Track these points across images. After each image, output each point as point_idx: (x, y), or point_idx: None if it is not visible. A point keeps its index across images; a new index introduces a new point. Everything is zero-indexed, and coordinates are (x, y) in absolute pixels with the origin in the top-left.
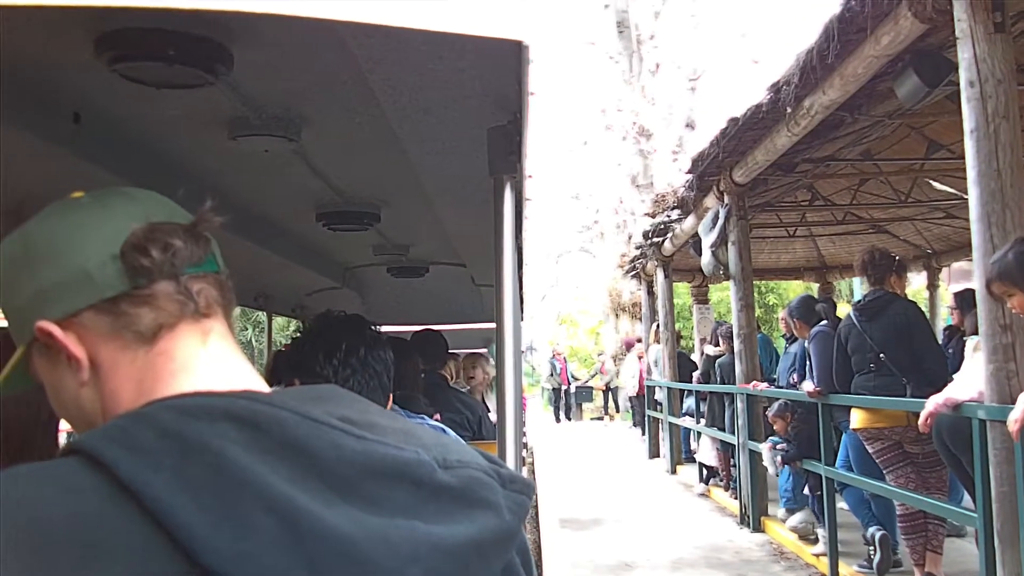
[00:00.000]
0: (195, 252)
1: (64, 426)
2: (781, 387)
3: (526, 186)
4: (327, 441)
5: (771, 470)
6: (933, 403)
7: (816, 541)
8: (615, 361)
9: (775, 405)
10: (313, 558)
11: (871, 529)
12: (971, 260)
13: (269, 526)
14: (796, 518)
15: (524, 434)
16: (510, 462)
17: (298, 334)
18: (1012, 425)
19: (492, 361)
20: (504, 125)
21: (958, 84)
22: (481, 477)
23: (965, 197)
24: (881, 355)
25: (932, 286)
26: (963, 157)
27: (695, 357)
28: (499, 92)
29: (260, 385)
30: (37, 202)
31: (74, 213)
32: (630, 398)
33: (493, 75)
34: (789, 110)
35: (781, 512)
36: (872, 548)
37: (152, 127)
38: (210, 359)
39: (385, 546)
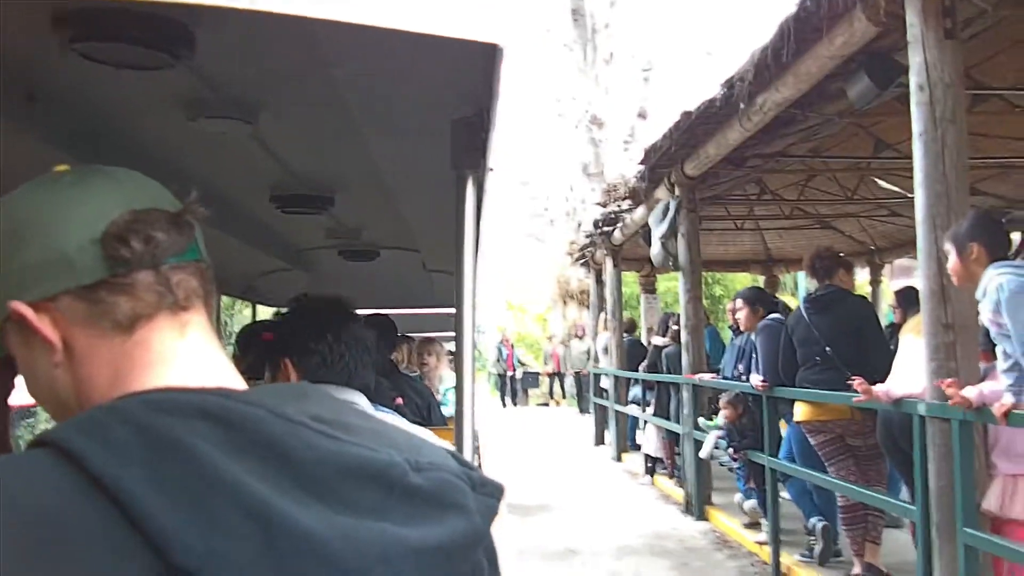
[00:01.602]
0: (177, 241)
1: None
2: (727, 378)
3: (488, 180)
4: (301, 440)
5: (703, 453)
6: (878, 390)
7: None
8: (563, 345)
9: (729, 392)
10: (283, 557)
11: (812, 520)
12: (913, 257)
13: (240, 524)
14: (751, 503)
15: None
16: (467, 449)
17: (280, 315)
18: (998, 410)
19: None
20: (469, 118)
21: (907, 86)
22: (452, 480)
23: (909, 196)
24: (827, 348)
25: (875, 282)
26: (909, 157)
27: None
28: (464, 84)
29: (236, 380)
30: None
31: (55, 191)
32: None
33: (459, 67)
34: (742, 106)
35: (738, 496)
36: (813, 538)
37: (109, 107)
38: (187, 351)
39: (354, 547)
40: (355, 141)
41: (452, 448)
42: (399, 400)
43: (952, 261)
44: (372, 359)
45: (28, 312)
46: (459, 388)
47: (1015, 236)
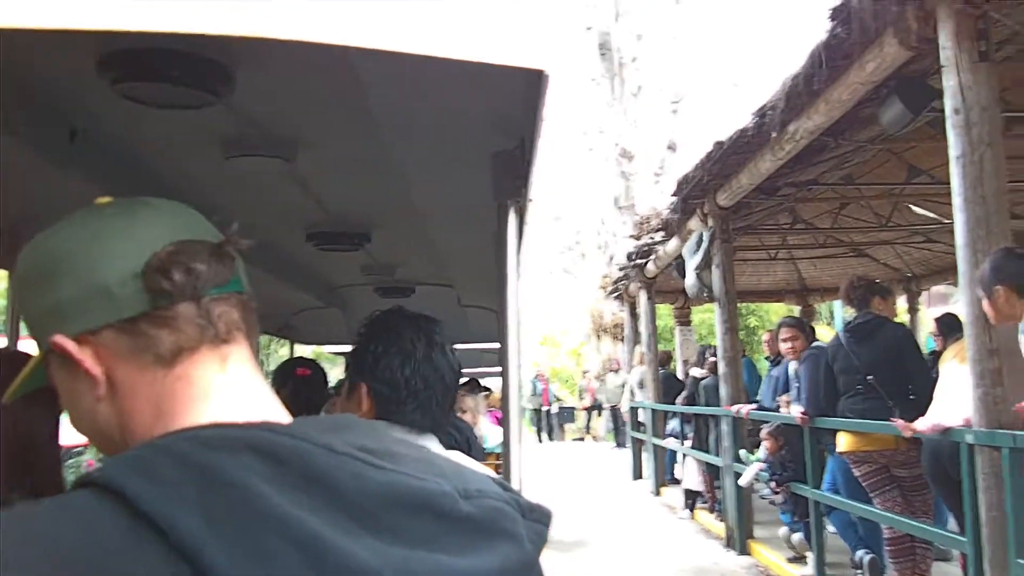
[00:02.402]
0: (220, 273)
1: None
2: (765, 409)
3: (528, 210)
4: (349, 472)
5: (743, 481)
6: (922, 427)
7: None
8: (599, 380)
9: (771, 423)
10: None
11: (859, 552)
12: (951, 284)
13: (294, 558)
14: (798, 536)
15: None
16: (515, 480)
17: (363, 330)
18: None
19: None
20: (510, 150)
21: (941, 111)
22: (502, 507)
23: (945, 222)
24: (869, 377)
25: (912, 310)
26: (944, 182)
27: (682, 377)
28: (505, 117)
29: (279, 413)
30: (29, 219)
31: (97, 223)
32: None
33: (499, 100)
34: (774, 135)
35: (783, 530)
36: (860, 571)
37: (147, 145)
38: (229, 385)
39: None
40: (393, 175)
41: (497, 476)
42: None
43: (984, 305)
44: (452, 400)
45: (70, 345)
46: (505, 419)
47: None
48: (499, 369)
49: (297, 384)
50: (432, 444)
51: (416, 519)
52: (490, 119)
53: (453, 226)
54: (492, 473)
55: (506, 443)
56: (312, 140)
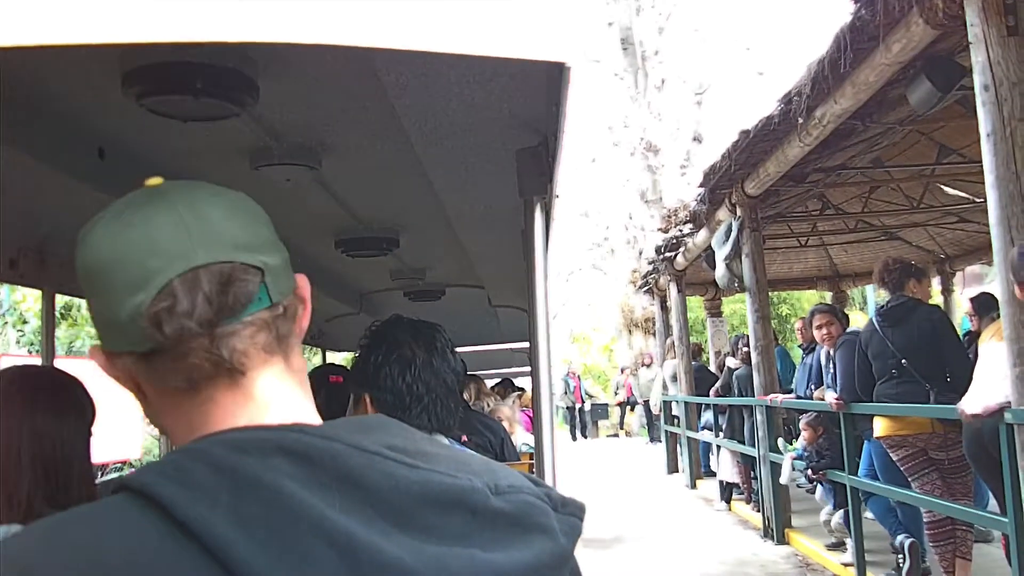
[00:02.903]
0: (236, 299)
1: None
2: (800, 397)
3: (554, 206)
4: (380, 471)
5: (784, 479)
6: (972, 411)
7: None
8: (630, 375)
9: (808, 414)
10: None
11: (899, 537)
12: (984, 263)
13: (329, 559)
14: (837, 516)
15: None
16: (548, 479)
17: (363, 341)
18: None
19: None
20: (534, 147)
21: (970, 88)
22: (534, 502)
23: (977, 200)
24: (903, 361)
25: (946, 291)
26: (975, 161)
27: (712, 369)
28: (528, 114)
29: (312, 416)
30: (61, 239)
31: (121, 236)
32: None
33: (522, 97)
34: (801, 120)
35: (824, 513)
36: (901, 556)
37: (175, 159)
38: (256, 405)
39: (447, 575)
40: (418, 177)
41: (524, 472)
42: (464, 438)
43: (1018, 291)
44: (457, 402)
45: (101, 360)
46: (537, 419)
47: None
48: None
49: (330, 391)
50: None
51: (449, 516)
52: (514, 116)
53: (481, 226)
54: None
55: (538, 442)
56: (337, 146)
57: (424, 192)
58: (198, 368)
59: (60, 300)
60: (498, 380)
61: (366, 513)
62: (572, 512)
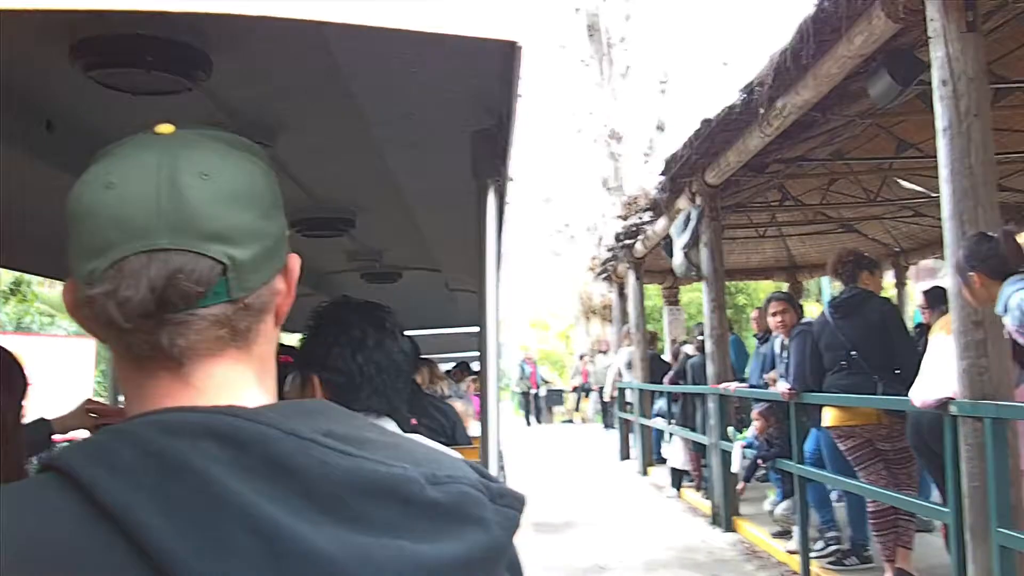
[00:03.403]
0: (185, 296)
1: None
2: (753, 386)
3: (508, 189)
4: (312, 458)
5: (735, 467)
6: (919, 402)
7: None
8: (587, 362)
9: (761, 403)
10: None
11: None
12: (938, 258)
13: (251, 547)
14: (782, 506)
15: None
16: (493, 465)
17: (311, 322)
18: None
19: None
20: (489, 128)
21: (929, 83)
22: (470, 492)
23: (934, 195)
24: (853, 352)
25: (900, 284)
26: (932, 156)
27: (667, 358)
28: (483, 95)
29: (260, 402)
30: (10, 213)
31: (96, 193)
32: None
33: (478, 78)
34: (762, 111)
35: (768, 503)
36: (827, 542)
37: (125, 134)
38: (198, 391)
39: (371, 567)
40: (374, 157)
41: (468, 460)
42: (413, 421)
43: (963, 290)
44: (406, 382)
45: (69, 300)
46: (483, 405)
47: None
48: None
49: (280, 371)
50: (390, 427)
51: (382, 506)
52: (469, 97)
53: (438, 209)
54: (468, 459)
55: (484, 427)
56: (292, 124)
57: (380, 173)
58: (138, 346)
59: (9, 275)
60: (455, 364)
61: (295, 501)
62: (509, 504)
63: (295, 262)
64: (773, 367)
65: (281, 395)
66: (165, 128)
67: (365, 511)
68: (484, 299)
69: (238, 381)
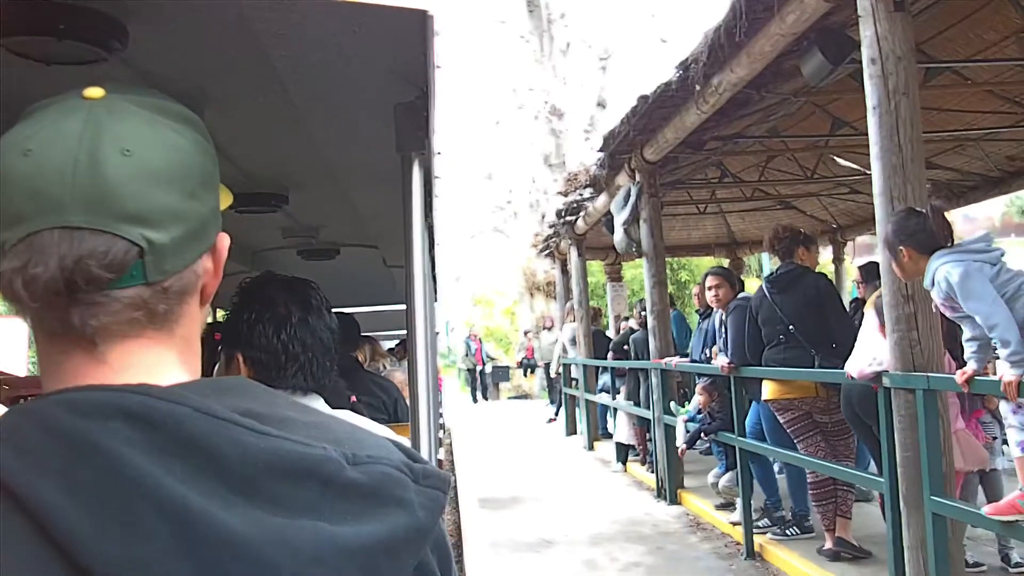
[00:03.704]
0: (94, 279)
1: None
2: (695, 361)
3: (435, 163)
4: (227, 438)
5: (679, 441)
6: (856, 372)
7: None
8: (532, 338)
9: (705, 378)
10: (207, 563)
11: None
12: (874, 234)
13: (161, 531)
14: (725, 478)
15: (441, 415)
16: (424, 444)
17: (235, 299)
18: (960, 377)
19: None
20: (411, 101)
21: (861, 62)
22: (392, 473)
23: (868, 173)
24: (791, 327)
25: (837, 260)
26: (866, 134)
27: (611, 334)
28: (405, 67)
29: (179, 378)
30: None
31: (14, 159)
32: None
33: (398, 50)
34: (698, 88)
35: (712, 475)
36: (770, 523)
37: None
38: (113, 369)
39: (286, 549)
40: (303, 133)
41: (395, 440)
42: (352, 399)
43: (892, 264)
44: (332, 360)
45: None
46: (413, 382)
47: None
48: (437, 329)
49: (212, 348)
50: (317, 404)
51: (299, 487)
52: (391, 69)
53: (370, 184)
54: (398, 437)
55: (413, 405)
56: (217, 98)
57: (309, 148)
58: (50, 323)
59: None
60: (397, 341)
61: (209, 482)
62: (433, 485)
63: (224, 241)
64: (715, 342)
65: (211, 374)
66: (94, 92)
67: (282, 492)
68: (411, 274)
69: (157, 361)
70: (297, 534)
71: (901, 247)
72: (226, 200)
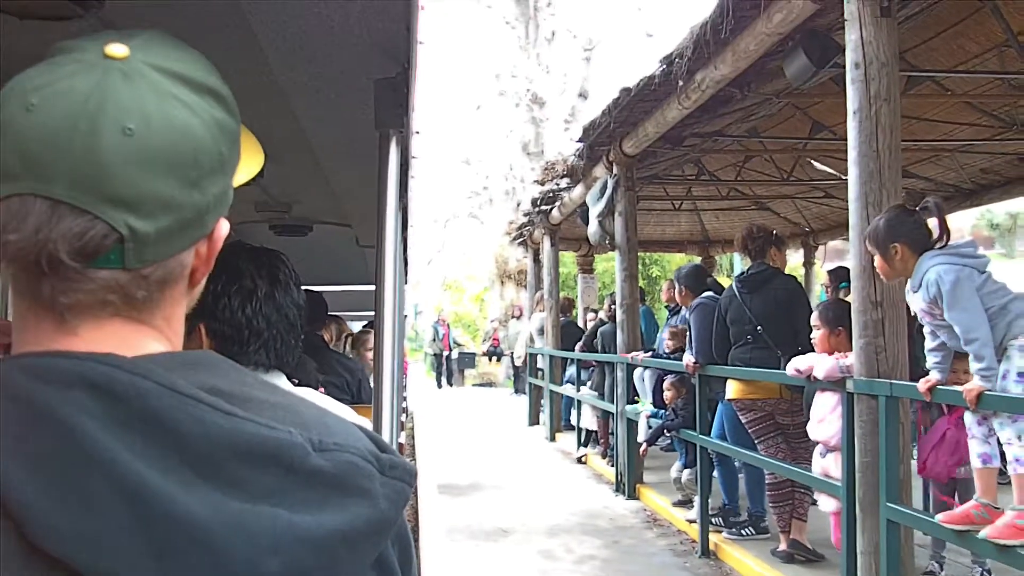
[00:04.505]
0: (64, 262)
1: None
2: (660, 356)
3: (413, 142)
4: (190, 415)
5: (641, 437)
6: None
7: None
8: (500, 326)
9: (672, 374)
10: (161, 543)
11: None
12: (846, 239)
13: (115, 505)
14: (687, 472)
15: (404, 399)
16: (386, 428)
17: None
18: (922, 386)
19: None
20: (392, 77)
21: (844, 66)
22: (357, 462)
23: (844, 178)
24: (759, 327)
25: (808, 263)
26: (844, 138)
27: (581, 326)
28: (387, 42)
29: (150, 350)
30: None
31: (17, 111)
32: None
33: (381, 23)
34: (681, 83)
35: (675, 468)
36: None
37: (11, 63)
38: (82, 340)
39: (243, 534)
40: (280, 105)
41: (363, 426)
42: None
43: (878, 262)
44: (297, 337)
45: None
46: (378, 364)
47: (932, 223)
48: (405, 312)
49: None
50: (280, 381)
51: (261, 471)
52: (373, 43)
53: (347, 161)
54: (365, 422)
55: (377, 390)
56: None
57: (287, 120)
58: (23, 285)
59: None
60: (367, 322)
61: (168, 461)
62: (399, 476)
63: (222, 228)
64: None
65: None
66: (116, 50)
67: (243, 476)
68: (382, 254)
69: (134, 336)
70: (255, 520)
71: (895, 243)
72: (253, 164)
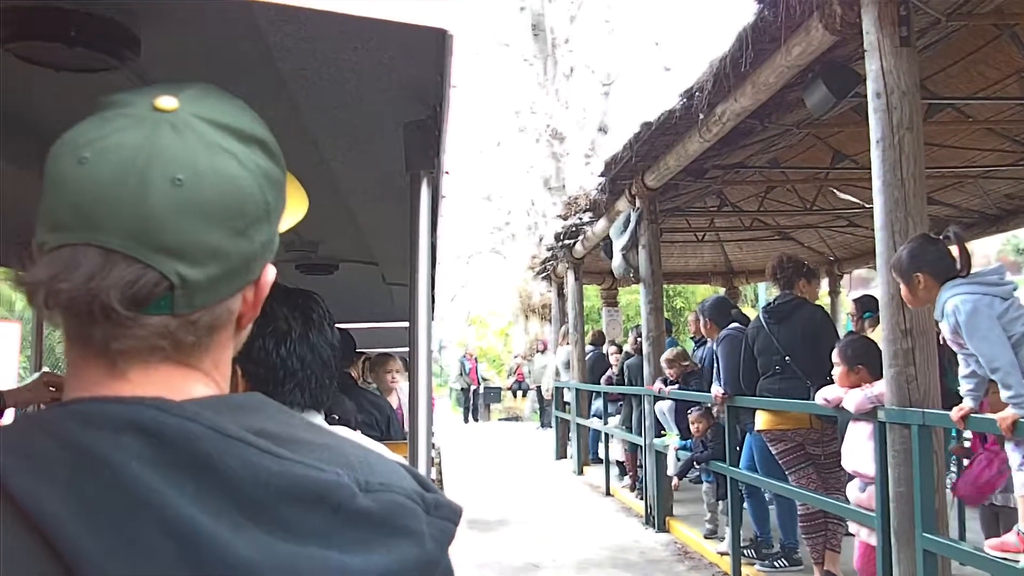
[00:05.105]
0: (116, 310)
1: None
2: (688, 389)
3: (443, 182)
4: (239, 459)
5: (671, 470)
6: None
7: (723, 538)
8: (525, 360)
9: (699, 406)
10: None
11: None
12: (871, 267)
13: (167, 550)
14: (707, 485)
15: (432, 434)
16: (422, 464)
17: None
18: (955, 415)
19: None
20: (422, 120)
21: (864, 96)
22: (404, 502)
23: (867, 206)
24: (787, 358)
25: (834, 292)
26: (866, 167)
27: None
28: (417, 86)
29: (190, 390)
30: None
31: (70, 163)
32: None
33: (411, 68)
34: (702, 116)
35: (705, 487)
36: (762, 559)
37: (49, 112)
38: (131, 384)
39: None
40: (308, 147)
41: (407, 465)
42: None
43: (903, 291)
44: (332, 376)
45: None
46: (413, 400)
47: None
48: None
49: None
50: (316, 419)
51: (310, 512)
52: (403, 87)
53: (374, 201)
54: (404, 460)
55: (413, 426)
56: None
57: (315, 162)
58: (74, 331)
59: None
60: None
61: (218, 503)
62: (445, 516)
63: (269, 274)
64: (711, 368)
65: None
66: (165, 104)
67: (291, 517)
68: (415, 293)
69: (181, 380)
70: (305, 562)
71: (918, 273)
72: (298, 210)
